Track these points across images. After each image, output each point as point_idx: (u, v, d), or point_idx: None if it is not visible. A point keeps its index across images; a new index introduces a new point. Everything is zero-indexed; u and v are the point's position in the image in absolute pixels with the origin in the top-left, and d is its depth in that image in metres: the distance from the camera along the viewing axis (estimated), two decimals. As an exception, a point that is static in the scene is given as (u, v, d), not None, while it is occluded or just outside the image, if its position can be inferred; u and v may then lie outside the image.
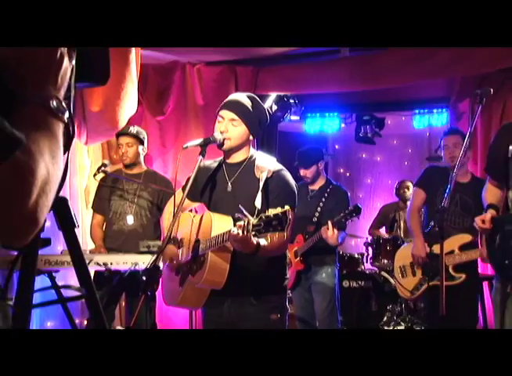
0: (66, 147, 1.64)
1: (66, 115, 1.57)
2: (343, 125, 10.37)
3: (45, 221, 1.65)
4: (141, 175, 6.68)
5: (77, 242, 2.12)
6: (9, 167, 1.30)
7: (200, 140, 4.15)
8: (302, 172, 6.69)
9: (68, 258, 6.20)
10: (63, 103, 1.57)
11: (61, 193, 5.60)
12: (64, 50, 1.61)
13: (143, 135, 6.70)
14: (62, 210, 2.05)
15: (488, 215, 4.55)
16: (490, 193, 4.75)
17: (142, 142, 6.68)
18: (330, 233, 6.14)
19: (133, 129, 6.60)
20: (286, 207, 3.58)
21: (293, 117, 9.60)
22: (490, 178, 4.83)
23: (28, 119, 1.47)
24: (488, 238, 4.71)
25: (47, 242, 2.17)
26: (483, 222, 4.52)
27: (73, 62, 1.70)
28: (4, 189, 1.31)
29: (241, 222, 3.66)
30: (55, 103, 1.52)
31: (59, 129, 1.54)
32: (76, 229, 2.11)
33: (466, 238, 5.93)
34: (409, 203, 7.14)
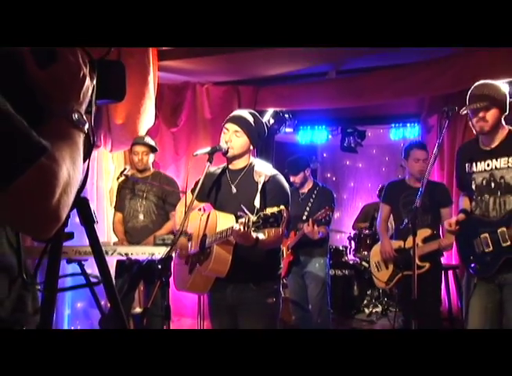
0: (88, 154, 1.71)
1: (86, 126, 1.61)
2: (330, 137, 10.40)
3: (69, 217, 1.74)
4: (149, 177, 6.70)
5: (97, 236, 2.10)
6: (35, 171, 1.32)
7: (208, 149, 4.18)
8: (291, 179, 6.70)
9: (94, 249, 6.25)
10: (84, 116, 1.62)
11: (89, 194, 5.61)
12: (86, 71, 1.65)
13: (155, 146, 6.73)
14: (83, 208, 2.06)
15: (453, 219, 4.64)
16: (463, 201, 4.80)
17: (154, 151, 6.71)
18: (310, 229, 6.28)
19: (148, 140, 6.61)
20: (282, 207, 3.61)
21: (288, 130, 9.63)
22: (461, 191, 4.94)
23: (53, 130, 1.51)
24: (457, 237, 4.76)
25: (70, 235, 2.20)
26: (450, 225, 4.60)
27: (94, 82, 1.74)
28: (31, 190, 1.33)
29: (242, 219, 3.72)
30: (76, 116, 1.57)
31: (80, 138, 1.58)
32: (95, 225, 2.10)
33: (427, 232, 6.00)
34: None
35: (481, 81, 4.48)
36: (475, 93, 4.37)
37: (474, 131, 4.49)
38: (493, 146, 4.43)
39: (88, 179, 5.88)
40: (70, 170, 1.44)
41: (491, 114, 4.30)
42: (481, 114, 4.31)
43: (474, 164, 4.52)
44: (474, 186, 4.53)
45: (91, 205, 2.08)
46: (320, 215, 6.29)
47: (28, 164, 1.31)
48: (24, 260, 1.65)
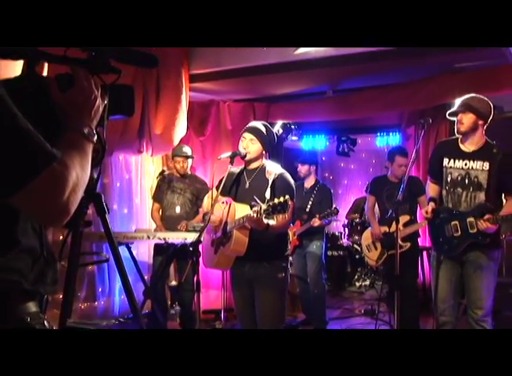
0: (101, 159, 1.87)
1: (95, 138, 1.69)
2: (328, 143, 10.41)
3: (87, 209, 2.10)
4: (186, 178, 6.69)
5: (107, 224, 2.16)
6: (48, 174, 1.39)
7: (229, 153, 4.21)
8: (299, 167, 6.85)
9: (138, 234, 6.27)
10: (94, 130, 1.70)
11: (134, 190, 5.58)
12: (98, 94, 1.74)
13: (192, 153, 6.72)
14: (98, 202, 2.14)
15: (429, 207, 4.61)
16: (431, 189, 4.80)
17: (191, 158, 6.71)
18: (317, 223, 6.37)
19: (187, 150, 6.61)
20: (287, 197, 3.64)
21: (294, 138, 9.64)
22: (430, 178, 4.87)
23: (68, 140, 1.59)
24: (429, 222, 4.78)
25: (89, 223, 2.22)
26: (426, 212, 4.61)
27: (106, 101, 1.82)
28: (45, 189, 1.39)
29: (255, 208, 3.78)
30: (87, 130, 1.65)
31: (89, 148, 1.65)
32: (107, 216, 2.17)
33: (406, 218, 6.03)
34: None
35: (471, 94, 4.54)
36: (460, 101, 4.48)
37: (455, 132, 4.53)
38: (472, 149, 4.46)
39: (133, 178, 5.88)
40: (79, 173, 1.51)
41: (467, 118, 4.37)
42: (459, 117, 4.41)
43: (452, 160, 4.54)
44: (449, 179, 4.56)
45: (103, 200, 2.16)
46: (326, 215, 6.35)
47: (42, 168, 1.38)
48: (46, 242, 1.67)
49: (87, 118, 1.69)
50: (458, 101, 4.57)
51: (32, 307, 1.56)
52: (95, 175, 2.01)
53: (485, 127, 4.45)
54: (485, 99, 4.47)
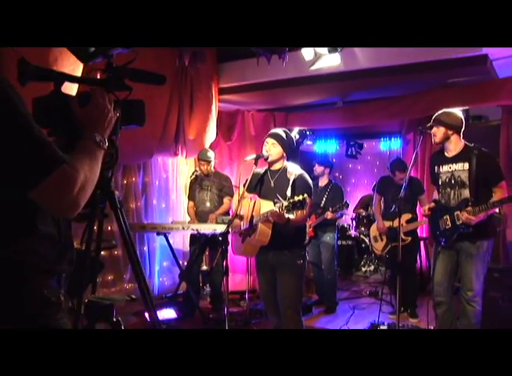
0: (114, 162, 2.04)
1: (106, 145, 1.78)
2: (338, 147, 10.36)
3: (103, 204, 2.14)
4: (211, 176, 6.69)
5: (119, 218, 2.18)
6: (58, 173, 1.47)
7: (254, 156, 4.18)
8: (315, 167, 6.83)
9: (174, 225, 6.29)
10: (106, 139, 1.79)
11: (171, 188, 5.59)
12: (111, 108, 1.86)
13: (214, 157, 6.71)
14: (111, 198, 2.16)
15: (427, 206, 4.75)
16: (435, 193, 4.88)
17: (213, 162, 6.70)
18: (330, 217, 6.38)
19: (210, 155, 6.60)
20: (305, 195, 3.66)
21: (309, 142, 9.62)
22: (432, 184, 4.98)
23: (82, 146, 1.69)
24: (428, 219, 4.82)
25: (106, 215, 2.26)
26: (424, 210, 4.78)
27: (118, 114, 1.93)
28: (56, 187, 1.47)
29: (278, 204, 3.79)
30: (98, 139, 1.74)
31: (100, 153, 1.74)
32: (119, 210, 2.19)
33: (408, 216, 6.09)
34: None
35: (442, 110, 4.60)
36: (433, 118, 4.55)
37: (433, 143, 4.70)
38: (453, 154, 4.53)
39: (170, 177, 5.88)
40: (87, 174, 1.58)
41: (438, 132, 4.48)
42: (433, 131, 4.52)
43: (440, 166, 4.62)
44: (440, 182, 4.63)
45: (116, 196, 2.19)
46: (338, 208, 6.37)
47: (52, 170, 1.46)
48: (64, 229, 1.71)
49: (100, 129, 1.78)
50: (434, 116, 4.59)
51: (50, 283, 1.61)
52: (109, 175, 2.13)
53: (462, 133, 4.51)
54: (454, 112, 4.56)
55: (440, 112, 4.54)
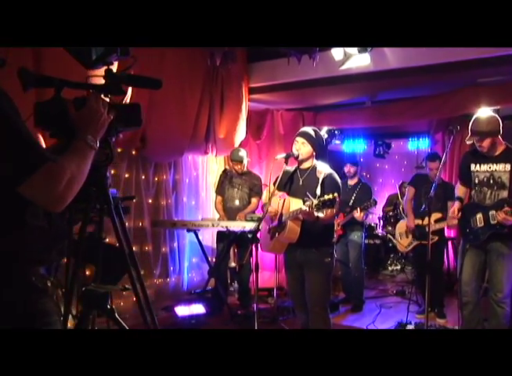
0: (110, 161, 2.22)
1: (97, 145, 1.88)
2: (366, 147, 10.29)
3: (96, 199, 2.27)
4: (243, 175, 6.68)
5: (112, 213, 2.31)
6: (45, 171, 1.57)
7: (284, 154, 4.19)
8: (348, 167, 6.79)
9: (204, 222, 6.32)
10: (98, 140, 1.90)
11: (201, 185, 5.62)
12: (104, 112, 1.98)
13: (247, 157, 6.70)
14: (105, 195, 2.29)
15: (456, 207, 4.69)
16: (459, 190, 4.85)
17: (246, 161, 6.68)
18: (358, 215, 6.32)
19: (243, 155, 6.59)
20: (335, 194, 3.65)
21: (337, 142, 9.56)
22: (460, 181, 4.90)
23: (72, 147, 1.80)
24: (458, 218, 4.72)
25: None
26: (453, 212, 4.69)
27: (112, 116, 2.05)
28: (42, 183, 1.57)
29: (308, 203, 3.78)
30: (90, 140, 1.85)
31: (90, 153, 1.84)
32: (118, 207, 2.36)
33: (438, 215, 6.03)
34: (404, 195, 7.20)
35: (478, 116, 4.52)
36: (473, 129, 4.44)
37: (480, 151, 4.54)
38: (495, 154, 4.48)
39: (200, 175, 5.92)
40: (74, 172, 1.69)
41: (485, 142, 4.41)
42: (478, 143, 4.44)
43: (478, 165, 4.56)
44: (476, 181, 4.57)
45: (110, 195, 2.31)
46: (366, 206, 6.33)
47: (38, 166, 1.56)
48: (55, 222, 1.81)
49: (92, 130, 1.89)
50: (472, 127, 4.48)
51: (39, 270, 1.72)
52: (106, 173, 2.28)
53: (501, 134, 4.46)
54: (491, 117, 4.48)
55: (478, 122, 4.44)
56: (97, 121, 1.94)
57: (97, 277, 2.42)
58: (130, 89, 5.10)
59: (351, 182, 6.80)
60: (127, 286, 2.41)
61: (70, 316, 2.35)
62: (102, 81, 2.18)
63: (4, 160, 1.56)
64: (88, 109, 1.94)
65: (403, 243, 6.46)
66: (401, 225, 6.62)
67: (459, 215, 4.63)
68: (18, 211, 1.65)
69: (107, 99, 2.12)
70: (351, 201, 6.58)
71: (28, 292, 1.66)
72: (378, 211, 10.22)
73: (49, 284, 1.74)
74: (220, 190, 6.81)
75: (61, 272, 2.21)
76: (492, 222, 4.34)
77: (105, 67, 2.20)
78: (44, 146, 2.14)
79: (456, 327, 5.18)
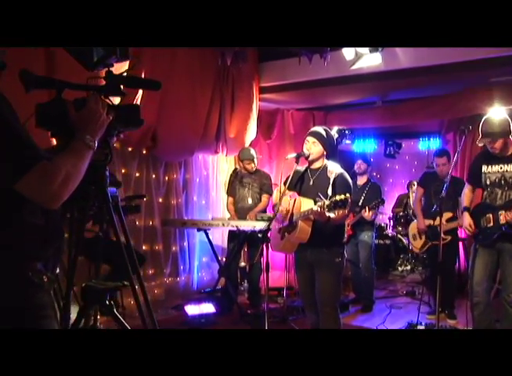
0: (109, 160, 2.29)
1: (95, 145, 1.93)
2: (376, 147, 10.24)
3: (95, 198, 2.34)
4: (253, 174, 6.68)
5: (111, 211, 2.36)
6: (39, 169, 1.64)
7: (295, 154, 4.15)
8: (359, 164, 6.76)
9: (214, 222, 6.32)
10: (96, 140, 1.94)
11: (211, 185, 5.64)
12: (104, 113, 2.03)
13: (257, 156, 6.69)
14: (103, 194, 2.35)
15: (467, 221, 4.61)
16: (466, 198, 4.81)
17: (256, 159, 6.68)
18: (366, 214, 6.33)
19: (253, 153, 6.58)
20: (347, 195, 3.61)
21: (347, 142, 9.54)
22: (468, 184, 4.86)
23: (70, 146, 1.86)
24: (470, 216, 4.66)
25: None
26: (470, 226, 4.59)
27: (111, 117, 2.09)
28: (36, 180, 1.64)
29: (319, 203, 3.74)
30: (88, 140, 1.89)
31: (88, 153, 1.89)
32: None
33: (449, 215, 5.95)
34: (413, 194, 7.17)
35: (488, 117, 4.50)
36: (485, 131, 4.42)
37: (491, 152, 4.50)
38: (506, 155, 4.44)
39: (210, 174, 5.96)
40: (70, 170, 1.75)
41: (498, 143, 4.38)
42: (490, 145, 4.41)
43: (489, 166, 4.52)
44: (488, 182, 4.53)
45: (108, 192, 2.37)
46: (374, 205, 6.32)
47: (33, 164, 1.63)
48: (53, 220, 1.86)
49: (91, 131, 1.94)
50: (483, 128, 4.45)
51: (36, 266, 1.77)
52: (105, 172, 2.35)
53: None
54: (503, 117, 4.45)
55: (489, 123, 4.41)
56: (96, 122, 1.99)
57: (98, 273, 2.52)
58: (140, 90, 5.14)
59: (360, 182, 6.76)
60: (125, 283, 2.45)
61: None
62: (103, 82, 2.25)
63: (3, 160, 1.63)
64: (87, 110, 2.00)
65: (417, 244, 6.40)
66: (413, 227, 6.57)
67: (474, 228, 4.58)
68: (16, 208, 1.71)
69: (109, 101, 2.19)
70: (361, 201, 6.55)
71: (24, 287, 1.72)
72: (388, 211, 10.19)
73: (46, 279, 1.78)
74: (231, 191, 6.81)
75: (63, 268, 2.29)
76: (502, 222, 4.32)
77: (105, 69, 2.27)
78: (53, 144, 2.19)
79: (466, 328, 5.14)
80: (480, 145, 4.56)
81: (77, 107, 2.03)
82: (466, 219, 4.61)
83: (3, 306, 1.69)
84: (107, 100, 2.17)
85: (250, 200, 6.63)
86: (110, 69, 2.24)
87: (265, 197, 6.64)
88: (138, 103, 5.31)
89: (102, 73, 2.26)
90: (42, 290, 1.77)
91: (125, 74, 2.35)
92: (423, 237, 6.29)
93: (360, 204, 6.52)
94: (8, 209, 1.71)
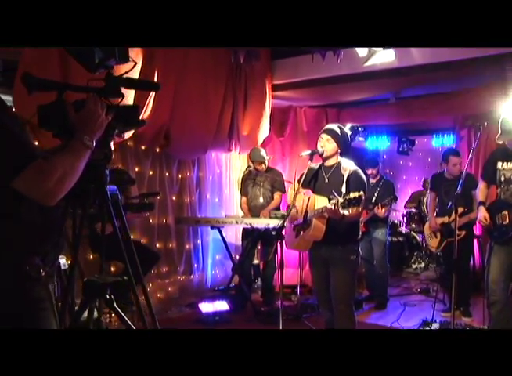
0: (108, 160, 2.33)
1: (93, 145, 1.99)
2: (389, 143, 10.17)
3: (94, 196, 2.37)
4: (265, 172, 6.67)
5: (110, 209, 2.40)
6: (35, 168, 1.72)
7: (309, 151, 4.14)
8: (369, 171, 6.66)
9: (228, 219, 6.31)
10: (94, 140, 2.01)
11: (224, 183, 5.66)
12: (102, 113, 2.08)
13: (267, 157, 6.67)
14: (102, 192, 2.39)
15: (484, 216, 4.56)
16: (481, 193, 4.76)
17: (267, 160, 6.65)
18: (379, 211, 6.28)
19: (263, 154, 6.56)
20: (361, 193, 3.58)
21: (360, 139, 9.49)
22: (483, 181, 4.82)
23: (68, 146, 1.94)
24: (488, 230, 4.66)
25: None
26: (485, 219, 4.55)
27: (110, 118, 2.14)
28: (32, 178, 1.72)
29: (333, 201, 3.71)
30: (86, 140, 1.96)
31: (86, 152, 1.95)
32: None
33: (461, 209, 5.78)
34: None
35: (503, 118, 4.47)
36: (504, 129, 4.39)
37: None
38: None
39: (223, 172, 5.98)
40: (67, 169, 1.82)
41: None
42: (508, 143, 4.42)
43: (505, 163, 4.49)
44: (502, 179, 4.49)
45: (108, 191, 2.42)
46: (386, 202, 6.26)
47: (28, 163, 1.71)
48: (50, 217, 1.93)
49: (89, 131, 2.00)
50: (502, 126, 4.43)
51: (33, 260, 1.84)
52: (105, 171, 2.40)
53: None
54: None
55: (508, 120, 4.39)
56: (94, 122, 2.04)
57: (100, 269, 2.59)
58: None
59: (373, 180, 6.73)
60: (125, 278, 2.51)
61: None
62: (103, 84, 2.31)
63: (3, 160, 1.72)
64: (86, 111, 2.05)
65: (433, 243, 6.33)
66: (427, 227, 6.51)
67: (489, 221, 4.54)
68: (13, 204, 1.79)
69: (109, 101, 2.24)
70: (374, 198, 6.51)
71: (22, 280, 1.80)
72: (401, 208, 10.14)
73: (43, 274, 1.86)
74: (243, 190, 6.82)
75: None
76: None
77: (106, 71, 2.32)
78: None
79: (482, 326, 5.10)
80: (499, 142, 4.52)
81: (76, 108, 2.09)
82: (481, 212, 4.56)
83: (1, 299, 1.77)
84: (107, 101, 2.22)
85: (261, 199, 6.62)
86: (110, 71, 2.30)
87: (277, 195, 6.63)
88: (151, 102, 5.32)
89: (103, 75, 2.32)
90: (39, 283, 1.85)
91: (125, 75, 2.40)
92: (439, 236, 6.23)
93: (373, 201, 6.48)
94: (6, 206, 1.79)
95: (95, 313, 2.53)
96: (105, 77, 2.29)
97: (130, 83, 2.47)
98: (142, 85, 2.93)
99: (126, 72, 2.39)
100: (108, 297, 2.41)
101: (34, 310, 1.83)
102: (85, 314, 2.49)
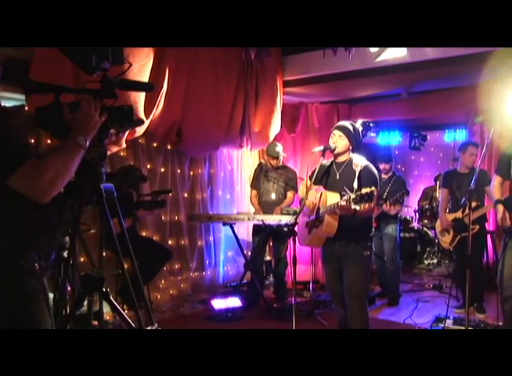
0: (103, 159, 2.42)
1: (86, 145, 2.07)
2: (401, 139, 10.11)
3: (90, 193, 2.51)
4: (279, 169, 6.65)
5: (105, 206, 2.51)
6: (28, 166, 1.82)
7: (321, 148, 4.13)
8: (382, 166, 6.64)
9: (240, 216, 6.30)
10: (88, 140, 2.09)
11: (235, 179, 5.66)
12: (96, 114, 2.16)
13: (282, 150, 6.65)
14: (98, 190, 2.51)
15: (501, 213, 4.46)
16: (497, 191, 4.67)
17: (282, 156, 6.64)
18: (387, 208, 6.31)
19: (279, 150, 6.54)
20: (373, 188, 3.57)
21: (372, 134, 9.44)
22: (498, 176, 4.71)
23: (61, 145, 2.03)
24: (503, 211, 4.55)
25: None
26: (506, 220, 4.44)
27: (104, 118, 2.22)
28: (27, 176, 1.81)
29: (345, 197, 3.71)
30: (79, 139, 2.03)
31: (79, 152, 2.03)
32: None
33: (474, 204, 5.66)
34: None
35: None
36: None
37: None
38: None
39: (235, 169, 5.97)
40: (60, 167, 1.90)
41: None
42: None
43: None
44: None
45: (103, 189, 2.52)
46: (397, 198, 6.26)
47: (22, 162, 1.81)
48: (47, 214, 2.01)
49: (83, 131, 2.08)
50: None
51: (29, 255, 1.93)
52: (101, 170, 2.50)
53: None
54: None
55: None
56: (88, 123, 2.12)
57: (92, 264, 2.81)
58: (165, 85, 5.14)
59: (385, 175, 6.70)
60: (120, 272, 2.65)
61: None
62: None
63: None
64: (80, 112, 2.14)
65: (446, 240, 6.26)
66: (438, 224, 6.47)
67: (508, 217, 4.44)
68: (9, 201, 1.87)
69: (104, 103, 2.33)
70: (385, 194, 6.47)
71: (16, 273, 1.89)
72: (413, 203, 10.08)
73: (37, 267, 1.95)
74: (255, 184, 6.79)
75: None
76: None
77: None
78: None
79: (496, 323, 5.04)
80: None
81: (72, 109, 2.17)
82: (501, 212, 4.48)
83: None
84: (101, 103, 2.30)
85: (273, 195, 6.61)
86: (106, 73, 2.40)
87: (290, 193, 6.61)
88: (163, 99, 5.31)
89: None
90: (34, 276, 1.94)
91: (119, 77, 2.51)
92: (452, 232, 6.16)
93: (384, 197, 6.44)
94: (2, 203, 1.88)
95: (96, 307, 2.66)
96: (100, 79, 2.38)
97: (124, 84, 2.57)
98: (136, 86, 3.05)
99: (122, 73, 2.51)
100: (104, 290, 2.51)
101: (26, 302, 1.91)
102: (84, 308, 2.64)
